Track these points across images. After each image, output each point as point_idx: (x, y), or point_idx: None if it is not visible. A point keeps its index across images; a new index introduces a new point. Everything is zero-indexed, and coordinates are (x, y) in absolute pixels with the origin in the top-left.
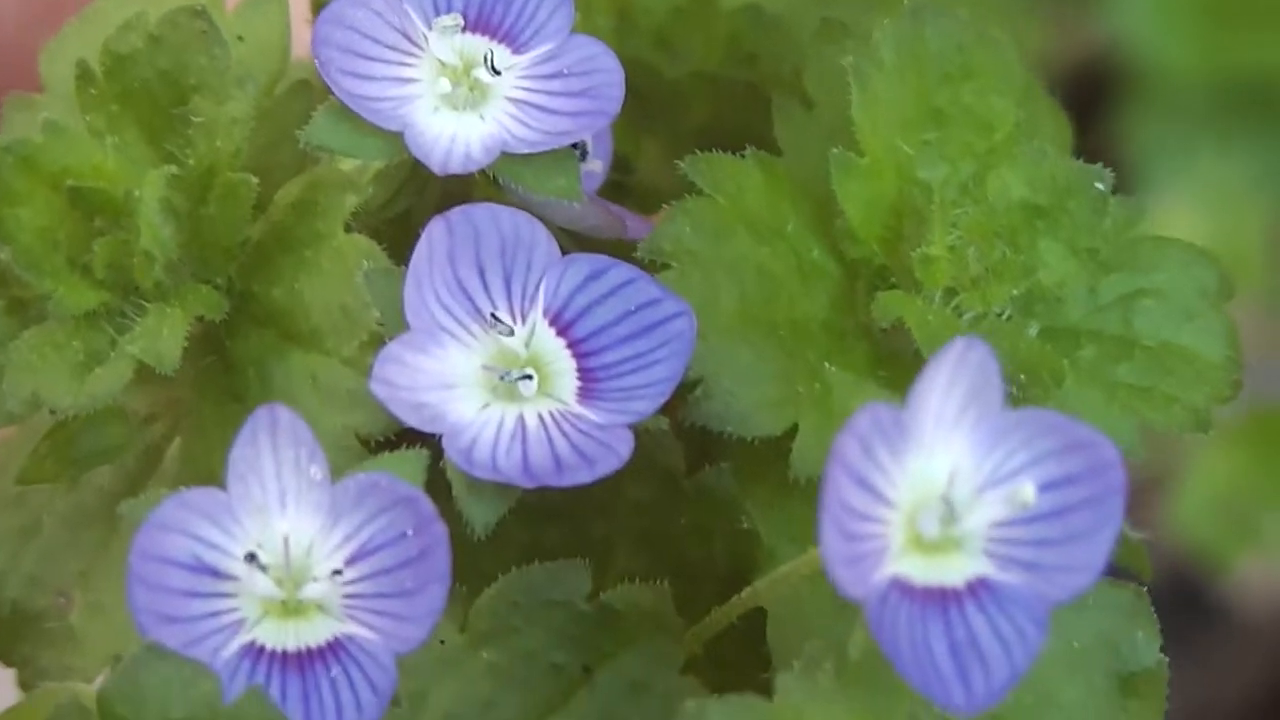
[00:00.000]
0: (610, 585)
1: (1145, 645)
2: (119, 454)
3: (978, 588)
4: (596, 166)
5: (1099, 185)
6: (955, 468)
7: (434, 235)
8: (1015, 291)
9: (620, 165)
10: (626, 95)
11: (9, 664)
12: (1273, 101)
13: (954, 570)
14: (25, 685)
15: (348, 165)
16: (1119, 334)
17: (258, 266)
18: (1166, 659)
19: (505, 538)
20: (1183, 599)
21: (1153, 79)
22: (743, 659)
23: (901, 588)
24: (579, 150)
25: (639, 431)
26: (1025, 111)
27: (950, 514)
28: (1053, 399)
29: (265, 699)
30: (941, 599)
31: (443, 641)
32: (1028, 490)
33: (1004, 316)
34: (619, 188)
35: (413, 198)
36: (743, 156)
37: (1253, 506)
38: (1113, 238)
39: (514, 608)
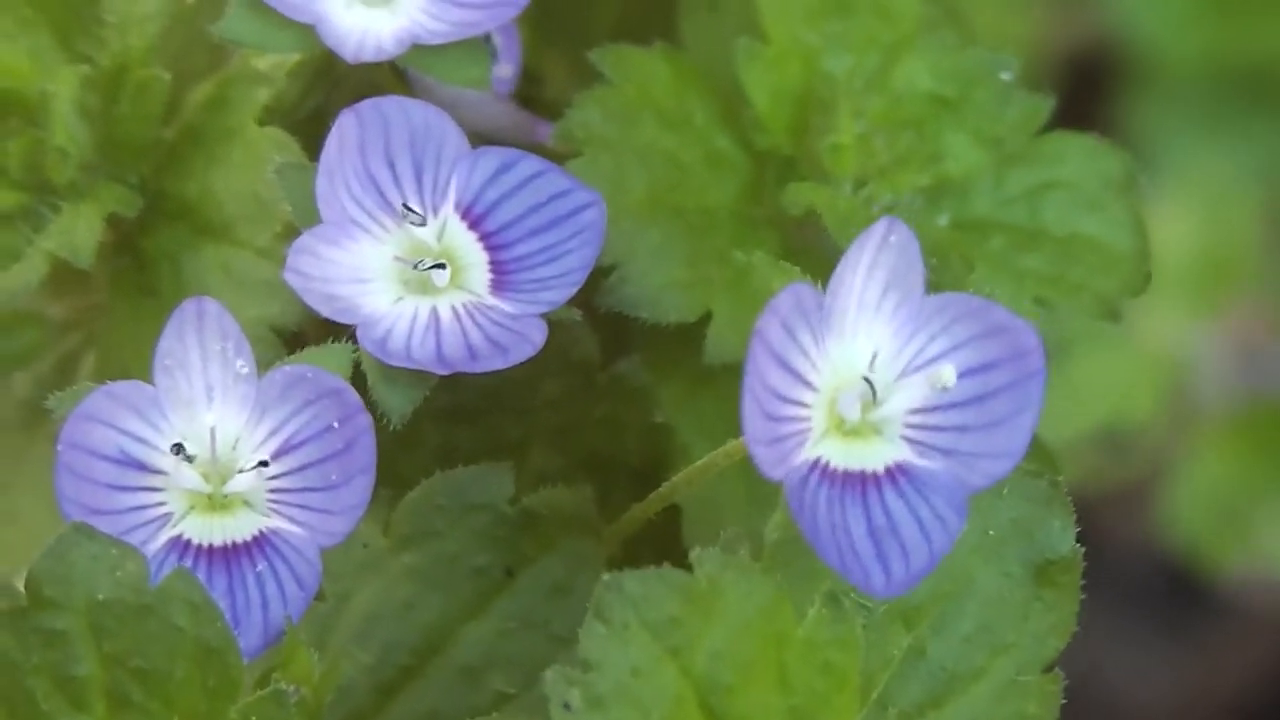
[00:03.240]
0: (526, 485)
1: (1060, 533)
2: (34, 358)
3: (897, 473)
4: (506, 71)
5: (1004, 75)
6: (876, 352)
7: (344, 127)
8: (923, 181)
9: (529, 78)
10: (535, 8)
11: None
12: (1275, 90)
13: (874, 455)
14: None
15: (263, 63)
16: (1026, 225)
17: (171, 165)
18: (1082, 549)
19: (419, 440)
20: (1181, 590)
21: (1152, 67)
22: (662, 557)
23: (822, 470)
24: (490, 52)
25: (553, 325)
26: (933, 8)
27: (871, 398)
28: (964, 287)
29: (191, 578)
30: (861, 483)
31: (365, 545)
32: (948, 372)
33: (913, 207)
34: (528, 101)
35: (326, 95)
36: (650, 49)
37: (1248, 500)
38: (1020, 130)
39: (436, 511)
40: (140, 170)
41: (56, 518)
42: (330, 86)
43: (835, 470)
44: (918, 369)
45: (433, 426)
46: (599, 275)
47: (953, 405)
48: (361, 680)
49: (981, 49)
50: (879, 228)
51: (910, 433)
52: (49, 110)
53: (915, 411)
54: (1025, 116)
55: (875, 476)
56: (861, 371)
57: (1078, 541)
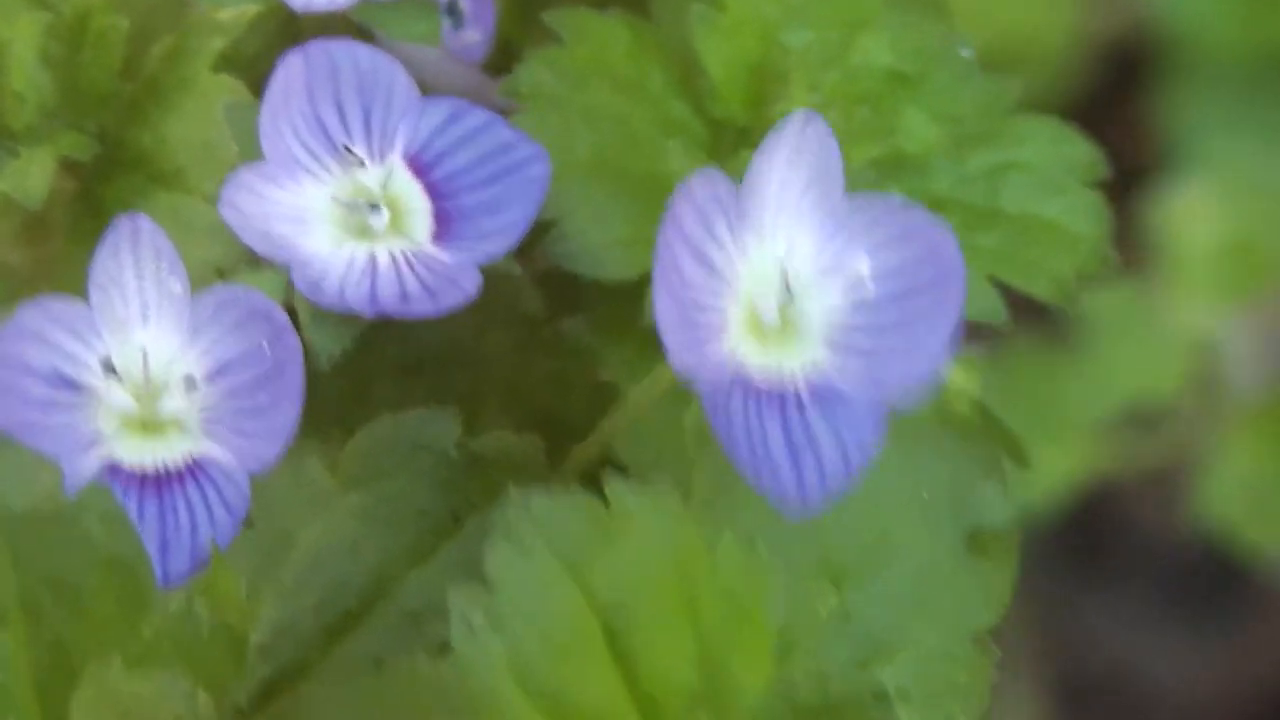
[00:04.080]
0: (474, 433)
1: (995, 500)
2: None
3: (815, 379)
4: (474, 38)
5: (964, 53)
6: (795, 250)
7: (291, 67)
8: (874, 153)
9: (503, 48)
10: None
11: None
12: None
13: (793, 355)
14: None
15: (224, 15)
16: (984, 205)
17: (131, 115)
18: (1017, 530)
19: (371, 392)
20: (1216, 577)
21: (1188, 55)
22: None
23: (739, 376)
24: (454, 14)
25: (498, 279)
26: None
27: (789, 297)
28: None
29: (107, 492)
30: (780, 392)
31: (313, 484)
32: (862, 266)
33: (867, 182)
34: (501, 72)
35: (288, 49)
36: (611, 15)
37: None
38: (982, 110)
39: (385, 451)
40: (101, 120)
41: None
42: (292, 41)
43: (753, 376)
44: (838, 269)
45: (385, 381)
46: (542, 232)
47: (872, 306)
48: (305, 621)
49: (942, 27)
50: (797, 118)
51: (830, 333)
52: (8, 56)
53: (834, 311)
54: (989, 97)
55: (794, 382)
56: (780, 272)
57: (1110, 527)
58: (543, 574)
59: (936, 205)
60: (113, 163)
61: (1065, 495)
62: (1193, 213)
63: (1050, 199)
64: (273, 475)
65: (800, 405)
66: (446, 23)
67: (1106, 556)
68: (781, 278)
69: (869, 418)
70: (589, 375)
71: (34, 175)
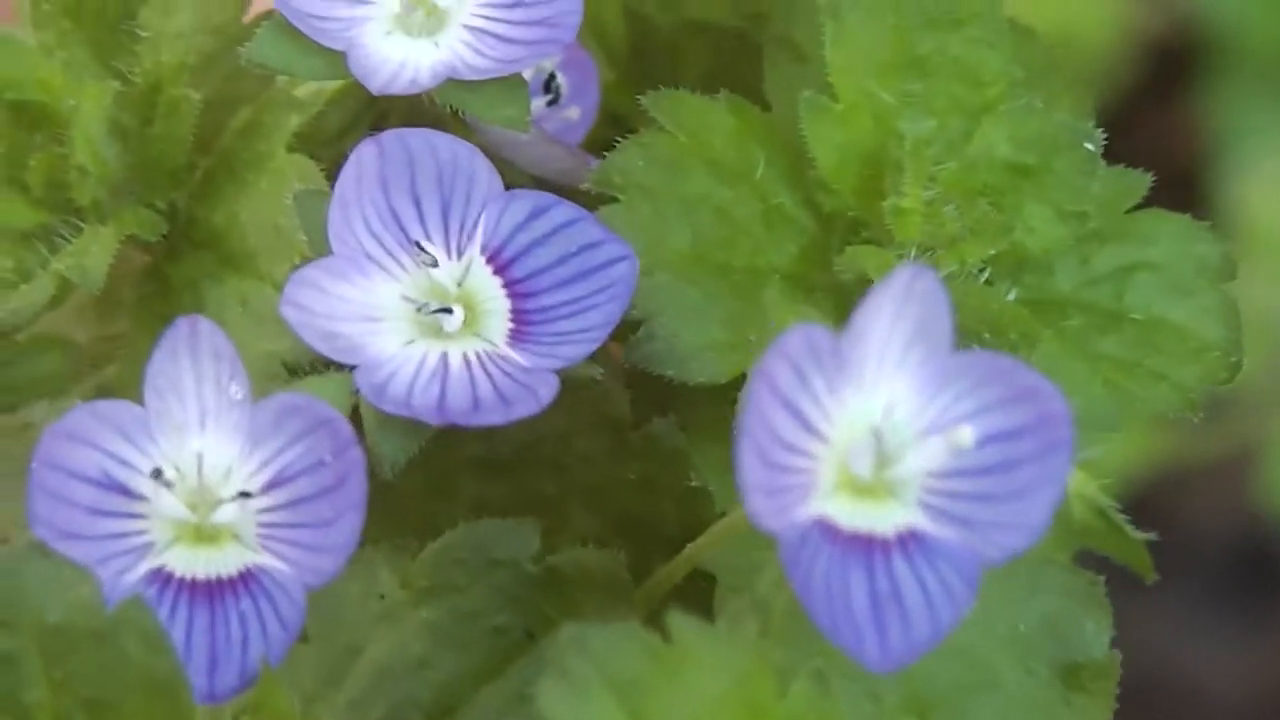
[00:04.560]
0: (563, 545)
1: (1095, 636)
2: (58, 385)
3: (909, 539)
4: (574, 114)
5: (1088, 145)
6: (895, 407)
7: (364, 158)
8: (992, 251)
9: (615, 122)
10: (625, 51)
11: None
12: None
13: (885, 517)
14: None
15: (303, 90)
16: (1109, 307)
17: (205, 191)
18: (1119, 655)
19: (454, 490)
20: (1258, 577)
21: (1234, 51)
22: None
23: (825, 528)
24: (551, 91)
25: (585, 382)
26: (1025, 70)
27: (885, 455)
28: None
29: (145, 606)
30: (868, 546)
31: (383, 596)
32: (965, 433)
33: (982, 278)
34: (608, 146)
35: (373, 125)
36: (714, 98)
37: None
38: (1108, 207)
39: (458, 565)
40: (172, 195)
41: None
42: (378, 116)
43: (841, 530)
44: (939, 429)
45: (467, 478)
46: (629, 331)
47: (974, 471)
48: None
49: (1065, 116)
50: (904, 274)
51: (926, 496)
52: (73, 128)
53: (933, 475)
54: (1116, 192)
55: (884, 541)
56: (878, 428)
57: (1162, 522)
58: (599, 713)
59: (1059, 307)
60: (184, 240)
61: (1124, 485)
62: (1268, 194)
63: (1178, 302)
64: (342, 584)
65: (889, 564)
66: (543, 100)
67: (1157, 552)
68: (879, 435)
69: (962, 578)
70: (678, 480)
71: (94, 256)
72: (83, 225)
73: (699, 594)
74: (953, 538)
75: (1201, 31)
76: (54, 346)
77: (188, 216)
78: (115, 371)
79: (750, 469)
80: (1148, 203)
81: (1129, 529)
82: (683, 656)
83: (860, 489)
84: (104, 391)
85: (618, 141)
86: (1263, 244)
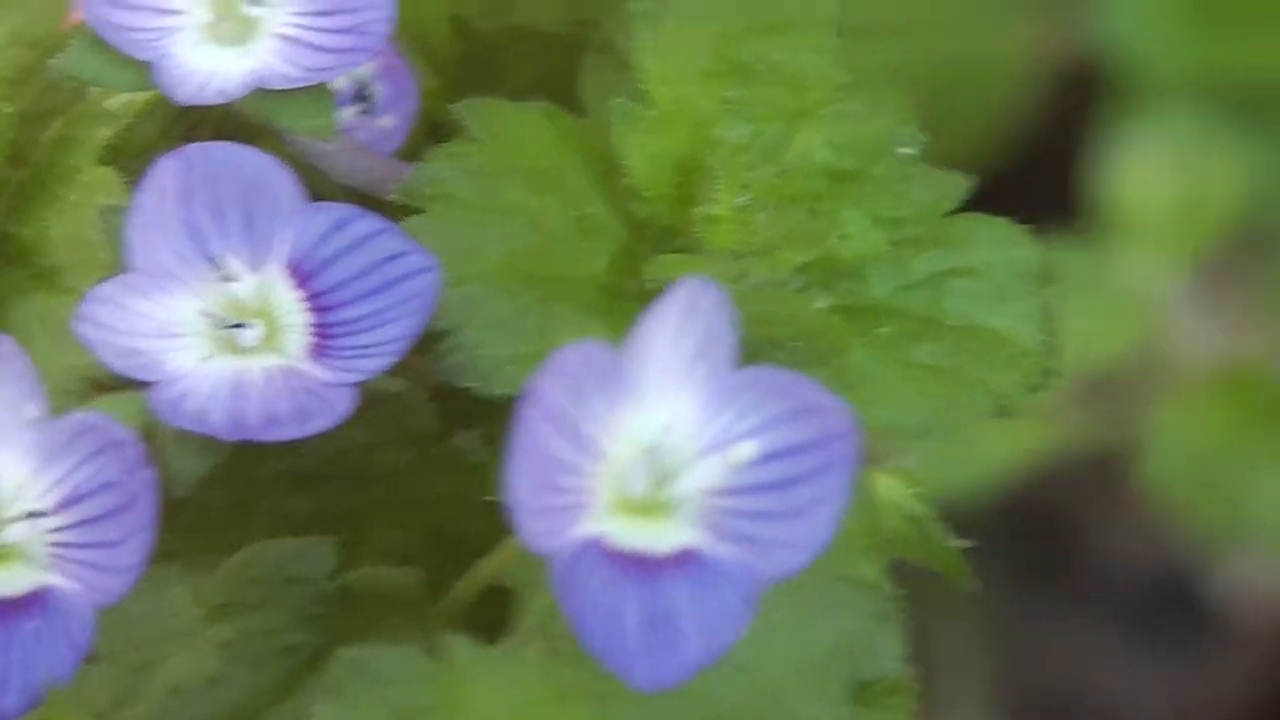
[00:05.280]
0: (366, 563)
1: (887, 651)
2: None
3: (686, 558)
4: (388, 122)
5: (908, 150)
6: (675, 424)
7: (166, 172)
8: (804, 259)
9: (438, 131)
10: (449, 58)
11: None
12: (1265, 107)
13: (662, 536)
14: None
15: (114, 102)
16: (924, 313)
17: (17, 207)
18: (912, 671)
19: (256, 506)
20: (1174, 598)
21: (1141, 82)
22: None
23: (599, 549)
24: (364, 100)
25: (387, 395)
26: (854, 75)
27: (663, 474)
28: (842, 377)
29: None
30: (642, 566)
31: (176, 615)
32: (745, 449)
33: (796, 287)
34: None
35: (186, 134)
36: (529, 105)
37: (1233, 473)
38: (926, 212)
39: (252, 583)
40: None
41: None
42: (190, 126)
43: (616, 550)
44: (720, 446)
45: (269, 493)
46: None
47: (754, 489)
48: None
49: (886, 120)
50: (688, 286)
51: (706, 515)
52: None
53: (713, 493)
54: (935, 196)
55: (659, 560)
56: (654, 445)
57: (1063, 551)
58: None
59: (873, 314)
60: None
61: (1010, 489)
62: (1139, 180)
63: (996, 307)
64: (134, 603)
65: (664, 585)
66: (356, 109)
67: (1061, 573)
68: (654, 453)
69: (740, 597)
70: (482, 493)
71: None
72: None
73: (500, 609)
74: (731, 556)
75: (1109, 64)
76: None
77: (2, 232)
78: None
79: (520, 490)
80: (970, 205)
81: (942, 537)
82: (462, 679)
83: (637, 508)
84: None
85: None
86: (1133, 227)
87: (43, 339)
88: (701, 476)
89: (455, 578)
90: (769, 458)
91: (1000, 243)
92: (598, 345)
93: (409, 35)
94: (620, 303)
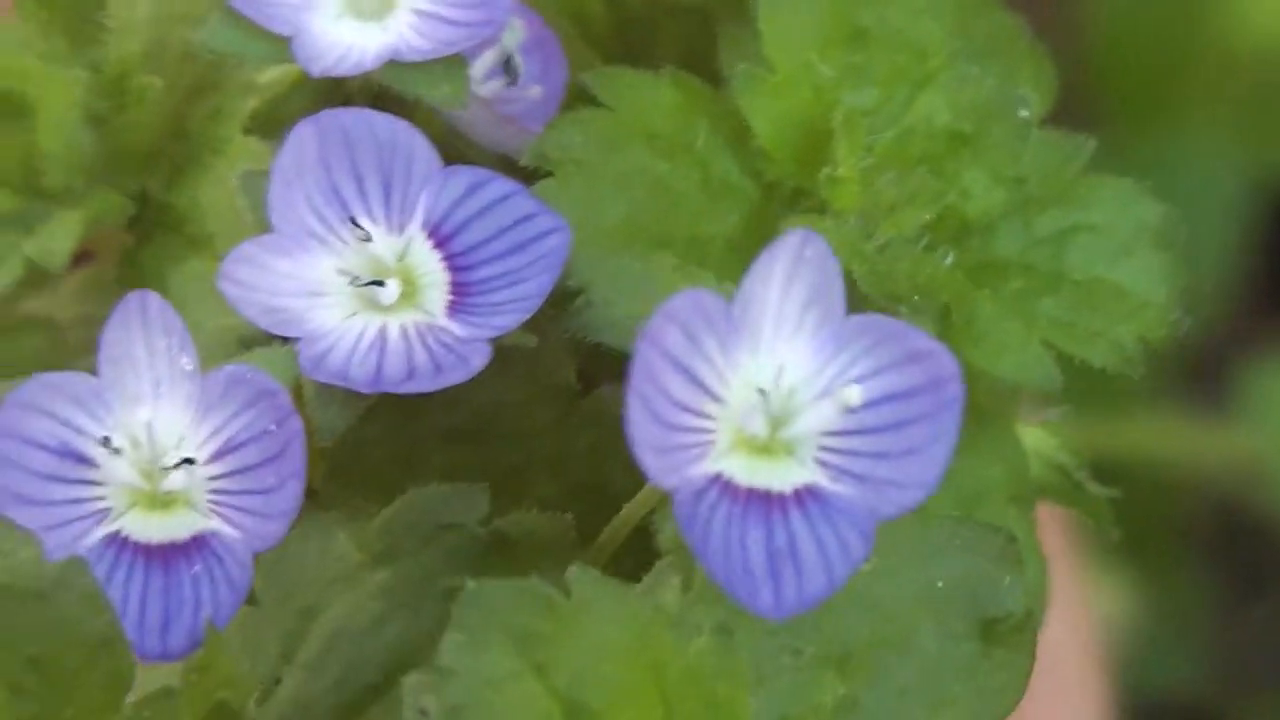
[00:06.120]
0: (517, 504)
1: (1011, 590)
2: (41, 364)
3: (805, 495)
4: (536, 93)
5: (1023, 112)
6: (790, 368)
7: (303, 138)
8: (927, 217)
9: (585, 99)
10: (605, 32)
11: None
12: None
13: (782, 475)
14: None
15: (266, 75)
16: (1048, 268)
17: (173, 177)
18: (1035, 618)
19: (414, 462)
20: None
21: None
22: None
23: (724, 486)
24: (510, 72)
25: (526, 350)
26: (970, 42)
27: (780, 415)
28: (971, 330)
29: (86, 571)
30: (765, 502)
31: (340, 560)
32: (854, 393)
33: (921, 244)
34: None
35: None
36: (657, 74)
37: None
38: (1050, 172)
39: (409, 530)
40: (143, 180)
41: None
42: (343, 100)
43: (738, 487)
44: (833, 390)
45: (432, 447)
46: (569, 300)
47: (868, 430)
48: (326, 698)
49: (1003, 84)
50: (793, 239)
51: (823, 455)
52: (38, 117)
53: (829, 434)
54: (1058, 157)
55: (781, 497)
56: (772, 389)
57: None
58: (498, 664)
59: (1001, 269)
60: (155, 224)
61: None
62: None
63: (1117, 262)
64: (301, 551)
65: (787, 520)
66: (502, 81)
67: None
68: (768, 396)
69: (857, 532)
70: (624, 445)
71: (59, 238)
72: (53, 210)
73: (647, 554)
74: (848, 494)
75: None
76: (34, 327)
77: (159, 201)
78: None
79: (640, 427)
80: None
81: (1089, 486)
82: (581, 609)
83: (758, 448)
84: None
85: None
86: None
87: (199, 302)
88: (817, 419)
89: (598, 522)
90: (880, 401)
91: (1122, 201)
92: (709, 292)
93: (564, 11)
94: (749, 259)
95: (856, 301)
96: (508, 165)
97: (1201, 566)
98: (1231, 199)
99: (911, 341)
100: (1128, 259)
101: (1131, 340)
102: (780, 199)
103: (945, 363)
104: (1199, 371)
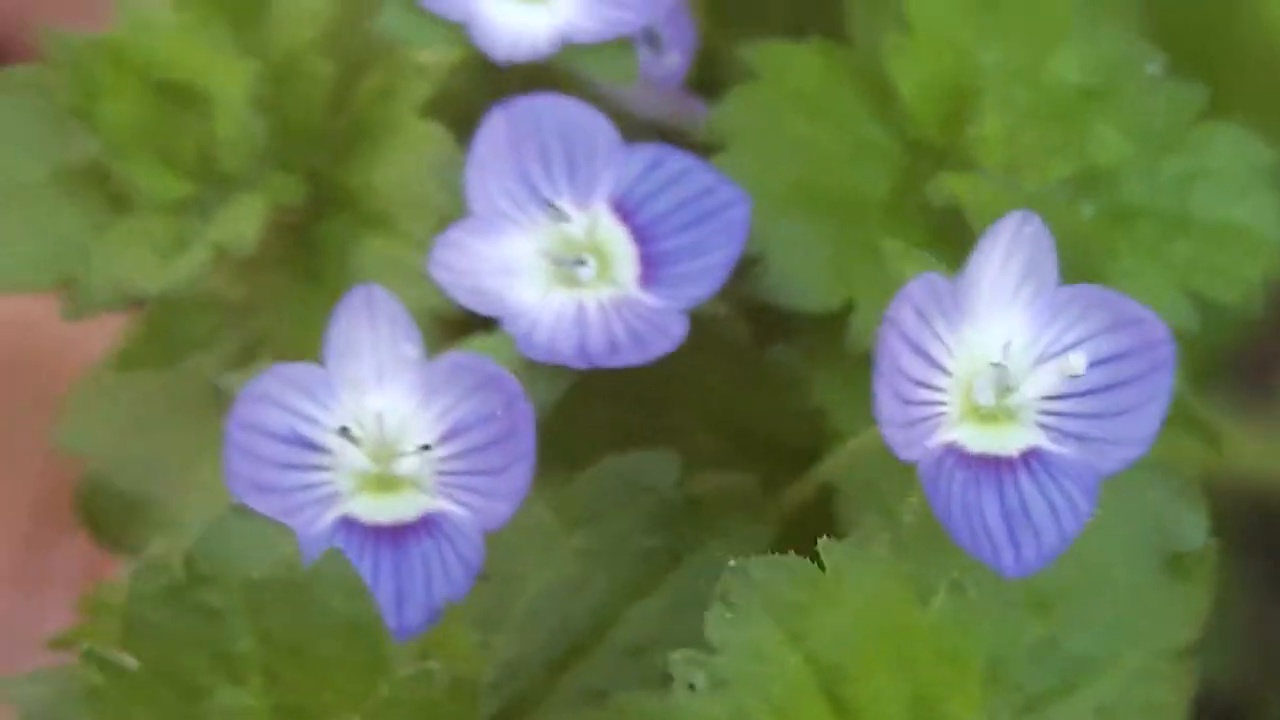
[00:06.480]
0: (692, 466)
1: (1194, 527)
2: (213, 342)
3: (1031, 457)
4: (674, 60)
5: (1151, 68)
6: (1011, 340)
7: (495, 124)
8: (1068, 171)
9: (705, 60)
10: None
11: (123, 550)
12: None
13: (1009, 439)
14: None
15: (426, 56)
16: (1175, 212)
17: (340, 154)
18: (1216, 541)
19: (590, 420)
20: None
21: None
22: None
23: (957, 454)
24: (653, 42)
25: (707, 315)
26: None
27: (1006, 385)
28: (1108, 274)
29: (344, 559)
30: (996, 466)
31: (538, 526)
32: (1077, 360)
33: (1064, 197)
34: (703, 83)
35: (498, 85)
36: (803, 42)
37: None
38: (1169, 120)
39: (605, 494)
40: (311, 159)
41: None
42: (495, 80)
43: (970, 454)
44: (1051, 357)
45: (601, 406)
46: (748, 266)
47: (1085, 393)
48: (534, 657)
49: (1129, 42)
50: (1013, 219)
51: (1044, 418)
52: (215, 105)
53: (1049, 398)
54: (1175, 107)
55: (1009, 461)
56: (996, 358)
57: None
58: (762, 637)
59: (1128, 215)
60: (325, 201)
61: None
62: None
63: (1237, 203)
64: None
65: (1016, 481)
66: (646, 51)
67: None
68: (998, 365)
69: (1081, 489)
70: (796, 400)
71: (245, 222)
72: (230, 194)
73: (821, 506)
74: (1071, 454)
75: None
76: (209, 306)
77: (328, 179)
78: (263, 322)
79: (886, 406)
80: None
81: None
82: (835, 580)
83: (984, 416)
84: (251, 340)
85: (711, 78)
86: None
87: (386, 279)
88: (1038, 385)
89: (773, 476)
90: (1096, 364)
91: (1237, 144)
92: (938, 275)
93: None
94: (903, 218)
95: None
96: (656, 130)
97: (1237, 559)
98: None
99: (1122, 307)
100: (1246, 200)
101: (1258, 278)
102: (924, 157)
103: (1156, 327)
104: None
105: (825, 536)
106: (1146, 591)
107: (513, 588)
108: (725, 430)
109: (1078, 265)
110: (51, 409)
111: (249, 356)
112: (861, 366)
